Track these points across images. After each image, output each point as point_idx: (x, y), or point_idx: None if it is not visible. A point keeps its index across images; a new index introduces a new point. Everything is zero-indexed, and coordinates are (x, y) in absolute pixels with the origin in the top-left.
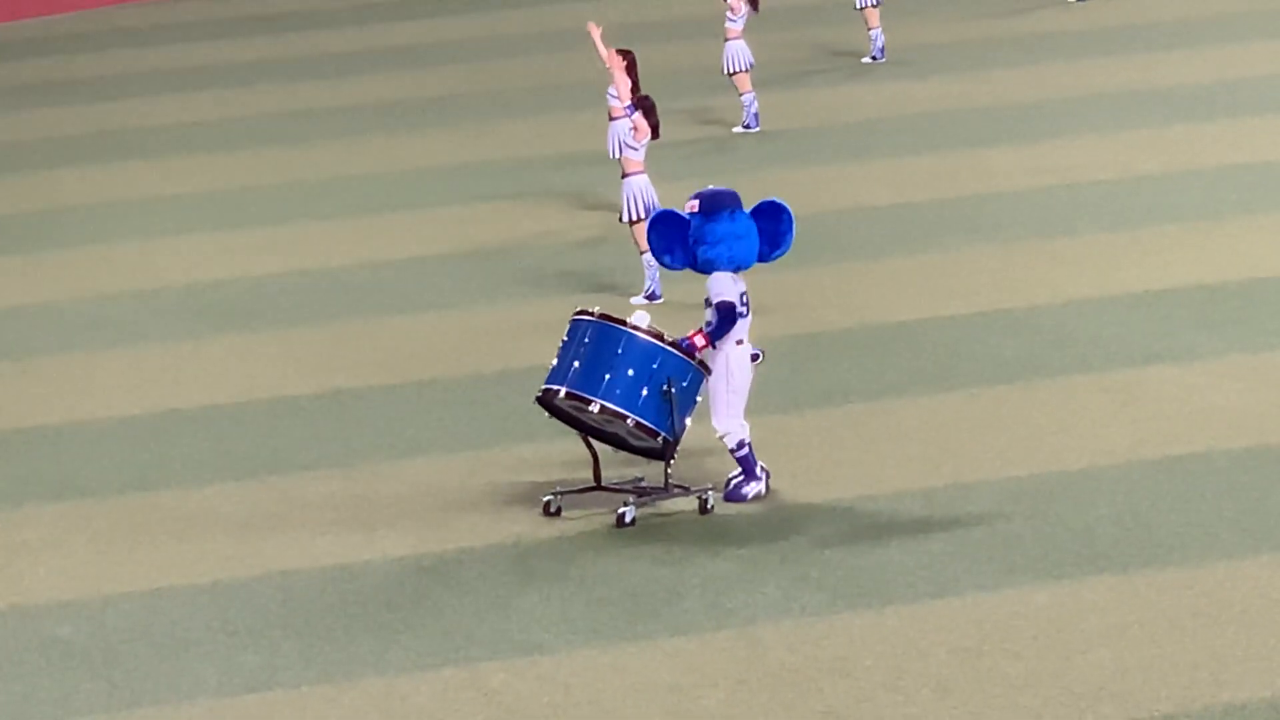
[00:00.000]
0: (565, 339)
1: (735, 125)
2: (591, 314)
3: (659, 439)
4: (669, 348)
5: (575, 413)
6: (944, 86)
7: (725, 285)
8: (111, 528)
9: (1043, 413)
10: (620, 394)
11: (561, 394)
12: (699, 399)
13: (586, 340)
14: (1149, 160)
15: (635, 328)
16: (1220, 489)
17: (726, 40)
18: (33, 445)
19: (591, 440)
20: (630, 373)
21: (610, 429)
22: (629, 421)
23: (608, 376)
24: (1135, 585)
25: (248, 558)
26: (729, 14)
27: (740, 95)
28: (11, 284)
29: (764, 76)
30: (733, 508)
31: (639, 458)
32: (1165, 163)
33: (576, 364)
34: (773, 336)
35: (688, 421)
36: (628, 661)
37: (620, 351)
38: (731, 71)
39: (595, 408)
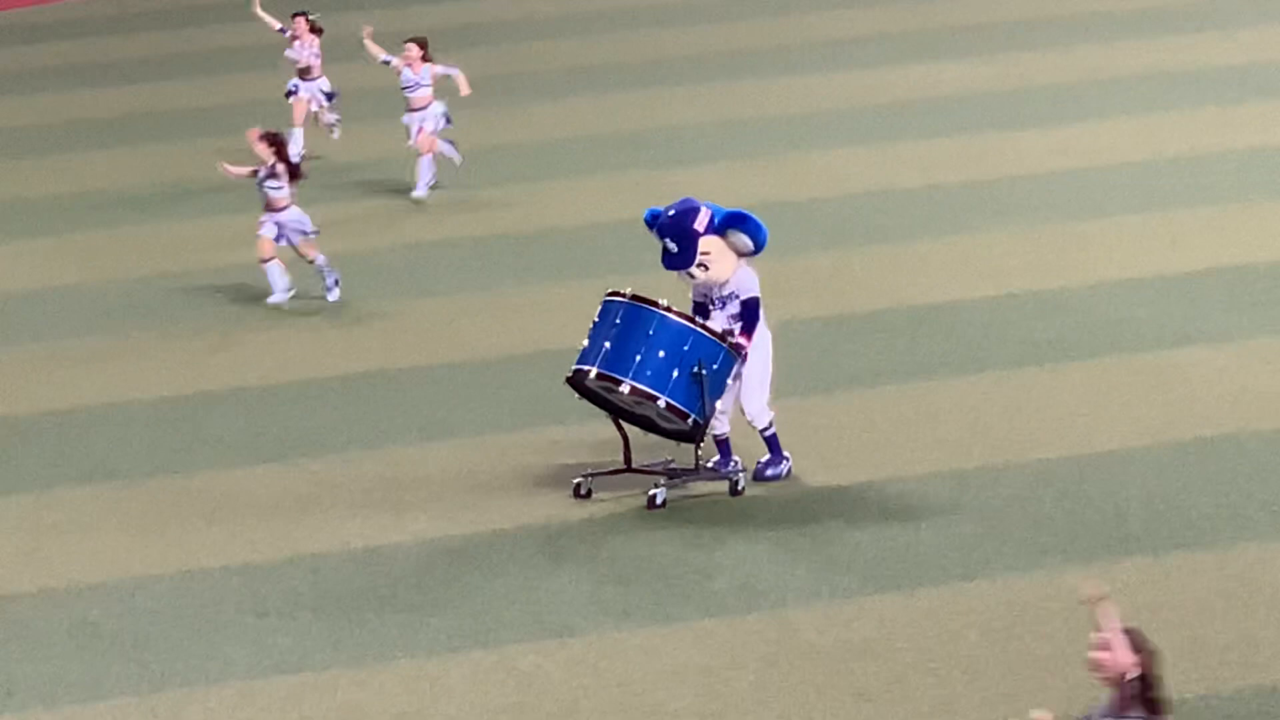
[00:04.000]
0: (596, 320)
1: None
2: (624, 295)
3: (689, 421)
4: (701, 330)
5: (605, 394)
6: (973, 69)
7: (753, 281)
8: (142, 510)
9: (1073, 395)
10: (651, 375)
11: (592, 374)
12: (730, 382)
13: (618, 321)
14: (1179, 142)
15: (668, 309)
16: (1251, 471)
17: (417, 110)
18: (63, 428)
19: (622, 422)
20: (661, 354)
21: (640, 411)
22: (660, 403)
23: (639, 357)
24: (1166, 567)
25: (278, 540)
26: (411, 76)
27: (421, 156)
28: (42, 266)
29: (790, 62)
30: (763, 489)
31: (669, 440)
32: (1195, 145)
33: (607, 344)
34: (802, 319)
35: (718, 404)
36: (658, 644)
37: (652, 333)
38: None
39: (625, 388)
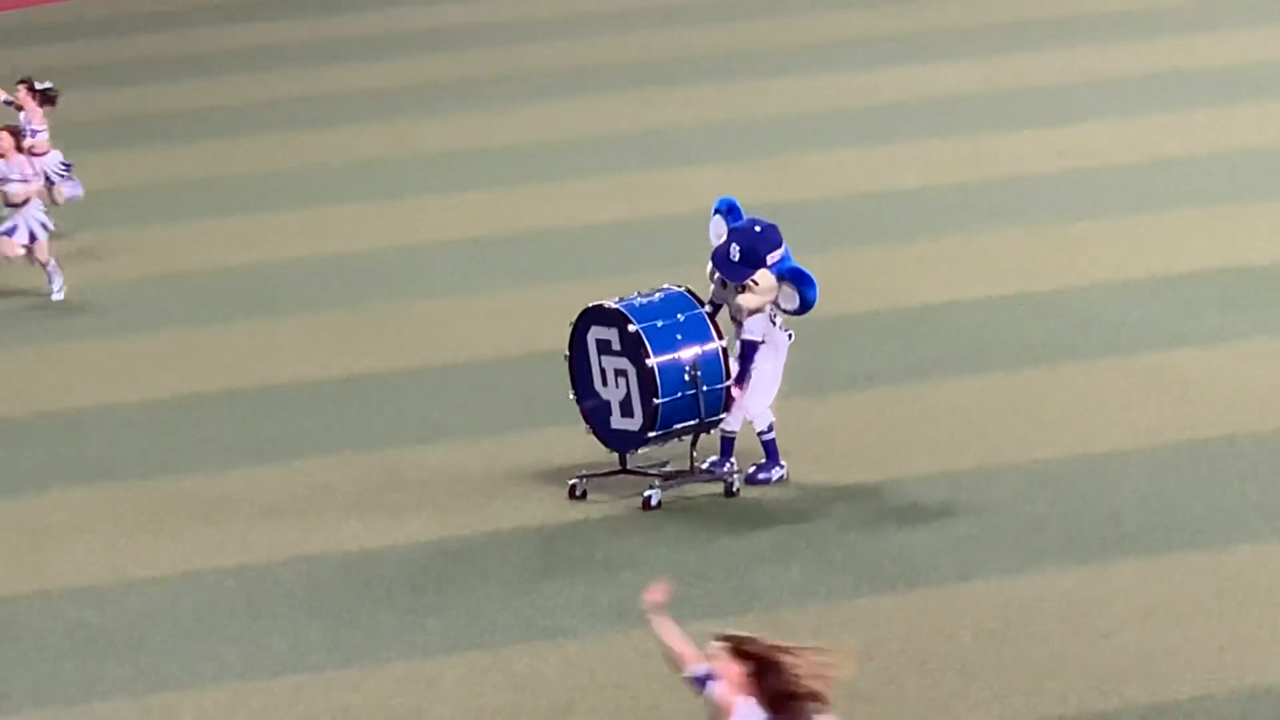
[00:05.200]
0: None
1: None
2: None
3: (652, 404)
4: (724, 353)
5: (599, 354)
6: (969, 70)
7: (763, 327)
8: (136, 512)
9: (1067, 396)
10: (658, 337)
11: (607, 304)
12: (695, 423)
13: (657, 295)
14: (1173, 143)
15: (711, 315)
16: (1245, 472)
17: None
18: (58, 430)
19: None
20: (679, 337)
21: (606, 394)
22: (648, 363)
23: (660, 323)
24: (1160, 568)
25: (272, 542)
26: (28, 123)
27: (46, 264)
28: (37, 269)
29: (785, 63)
30: (758, 491)
31: (606, 447)
32: (1189, 146)
33: (639, 300)
34: (797, 320)
35: (681, 430)
36: (652, 645)
37: (683, 317)
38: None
39: (632, 328)
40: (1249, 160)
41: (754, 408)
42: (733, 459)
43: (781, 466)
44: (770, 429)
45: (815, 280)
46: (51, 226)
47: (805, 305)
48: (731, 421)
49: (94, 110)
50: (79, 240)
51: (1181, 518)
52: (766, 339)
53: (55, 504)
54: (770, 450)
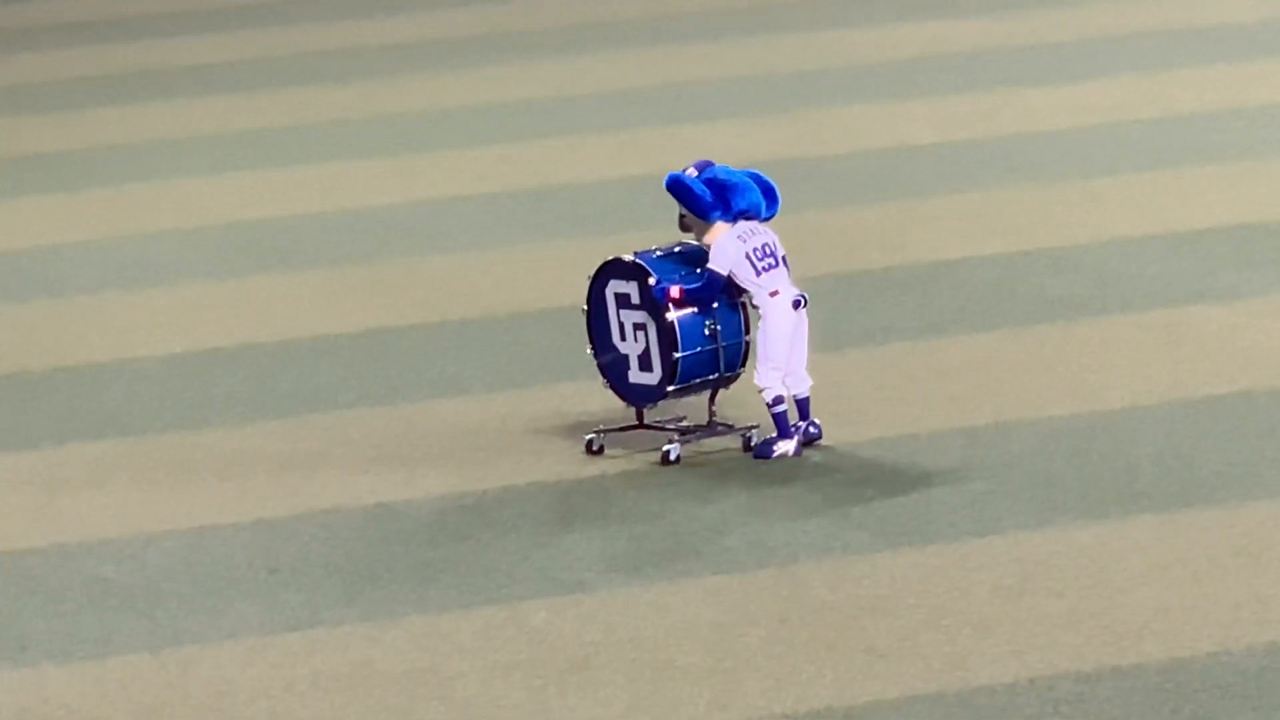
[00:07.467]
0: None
1: None
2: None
3: (673, 359)
4: (743, 308)
5: (617, 306)
6: (986, 25)
7: (722, 256)
8: (153, 466)
9: (1084, 352)
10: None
11: (626, 258)
12: (714, 378)
13: (678, 247)
14: (1191, 99)
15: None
16: (1262, 428)
17: None
18: (75, 384)
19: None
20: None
21: (625, 348)
22: (669, 317)
23: (678, 277)
24: (1177, 524)
25: (289, 496)
26: None
27: None
28: (53, 222)
29: (802, 18)
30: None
31: (623, 401)
32: (1207, 101)
33: (658, 254)
34: (813, 276)
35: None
36: (670, 600)
37: (700, 271)
38: None
39: (652, 280)
40: (1267, 116)
41: (759, 374)
42: (755, 424)
43: (791, 437)
44: (777, 402)
45: (691, 181)
46: None
47: (696, 211)
48: (798, 384)
49: (110, 64)
50: (95, 194)
51: (1198, 474)
52: (761, 304)
53: (72, 458)
54: (777, 423)
